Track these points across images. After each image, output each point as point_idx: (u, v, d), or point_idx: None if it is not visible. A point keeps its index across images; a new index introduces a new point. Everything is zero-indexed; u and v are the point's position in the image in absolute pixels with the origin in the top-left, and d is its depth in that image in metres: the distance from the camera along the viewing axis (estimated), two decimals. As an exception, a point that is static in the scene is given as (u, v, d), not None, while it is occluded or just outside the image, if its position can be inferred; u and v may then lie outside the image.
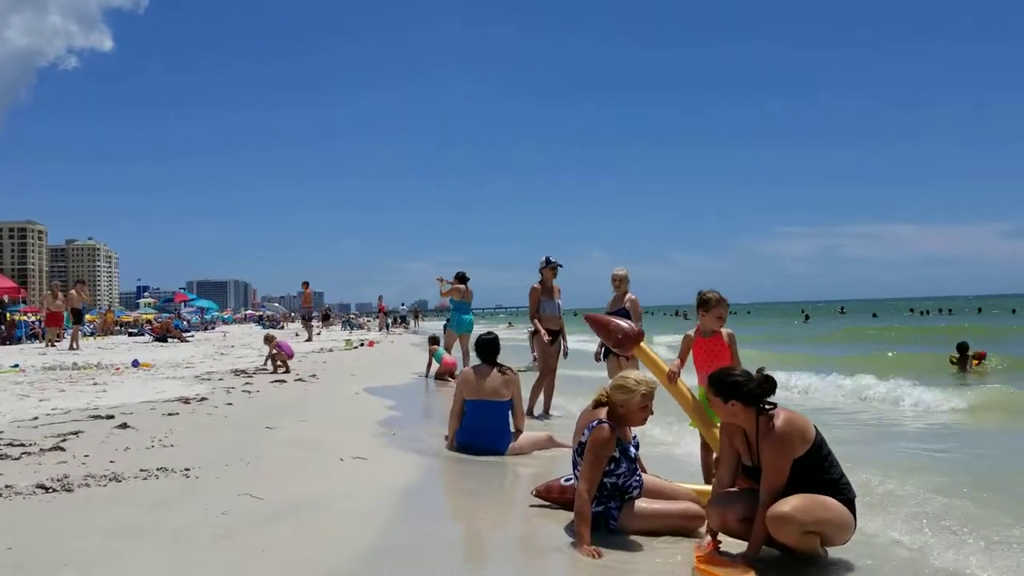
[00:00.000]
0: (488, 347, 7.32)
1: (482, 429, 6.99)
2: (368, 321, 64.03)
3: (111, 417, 7.87)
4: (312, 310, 31.93)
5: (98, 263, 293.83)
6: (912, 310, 67.46)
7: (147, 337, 33.39)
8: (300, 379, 12.45)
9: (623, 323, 5.86)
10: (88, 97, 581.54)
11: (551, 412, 9.48)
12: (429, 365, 14.50)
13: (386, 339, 32.99)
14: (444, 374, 14.19)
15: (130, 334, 38.03)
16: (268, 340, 14.32)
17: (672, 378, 5.33)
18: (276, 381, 11.89)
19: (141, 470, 5.43)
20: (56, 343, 25.95)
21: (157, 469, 5.47)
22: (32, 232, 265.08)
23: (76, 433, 6.85)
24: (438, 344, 14.68)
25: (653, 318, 65.40)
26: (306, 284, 29.25)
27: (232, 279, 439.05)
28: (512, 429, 7.14)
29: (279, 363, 13.83)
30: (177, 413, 8.31)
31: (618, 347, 5.94)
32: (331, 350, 22.65)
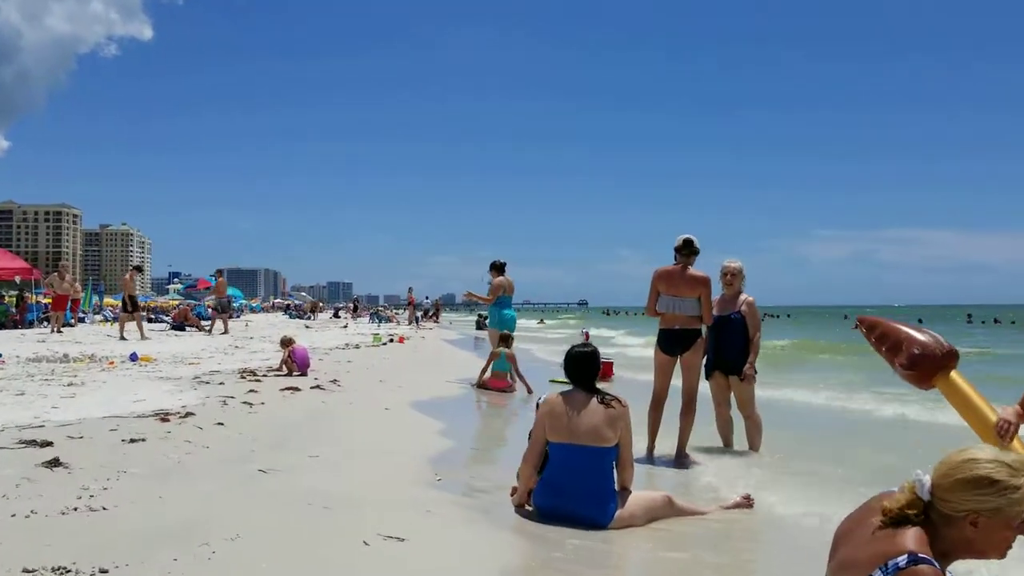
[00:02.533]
0: (584, 364, 5.00)
1: (575, 487, 4.68)
2: (397, 314, 62.07)
3: (47, 444, 5.61)
4: (229, 300, 29.96)
5: (131, 248, 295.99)
6: (970, 318, 63.61)
7: (164, 324, 31.51)
8: (318, 386, 10.18)
9: (922, 335, 3.63)
10: (127, 85, 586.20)
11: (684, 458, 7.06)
12: (484, 371, 12.08)
13: (416, 334, 30.80)
14: (489, 386, 11.85)
15: (149, 320, 36.28)
16: (285, 344, 12.08)
17: (1006, 433, 3.04)
18: (287, 388, 9.63)
19: (24, 571, 3.17)
20: (62, 329, 24.08)
21: (52, 571, 3.21)
22: (67, 216, 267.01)
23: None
24: (509, 345, 11.96)
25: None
26: (220, 272, 28.02)
27: (263, 268, 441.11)
28: (616, 487, 4.84)
29: (293, 369, 11.64)
30: (143, 439, 6.06)
31: (910, 369, 3.73)
32: (357, 346, 20.44)
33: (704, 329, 7.26)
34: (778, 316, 79.39)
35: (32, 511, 3.96)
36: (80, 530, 3.74)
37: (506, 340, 12.08)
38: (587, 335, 15.99)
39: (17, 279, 30.44)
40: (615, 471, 4.82)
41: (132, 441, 5.95)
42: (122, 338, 20.46)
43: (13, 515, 3.89)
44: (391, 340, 23.33)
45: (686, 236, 7.23)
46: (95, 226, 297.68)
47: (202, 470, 5.19)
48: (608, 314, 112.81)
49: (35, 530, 3.71)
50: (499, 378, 11.84)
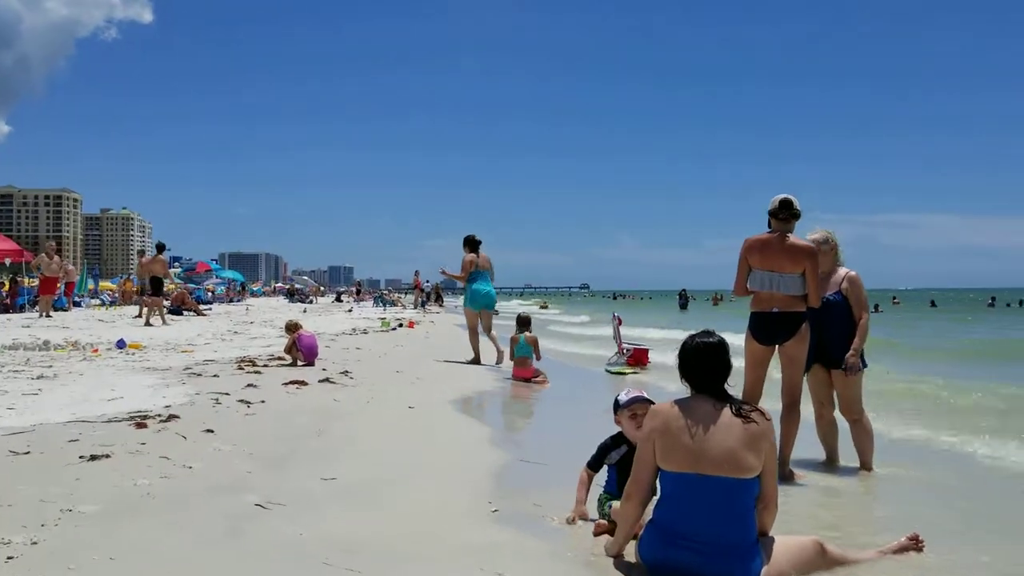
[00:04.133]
0: (710, 356, 3.58)
1: (703, 535, 3.29)
2: (401, 297, 60.65)
3: (-22, 464, 4.27)
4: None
5: (132, 232, 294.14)
6: (993, 301, 61.28)
7: (161, 309, 30.16)
8: (327, 379, 8.78)
9: None
10: (127, 69, 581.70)
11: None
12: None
13: (425, 318, 29.39)
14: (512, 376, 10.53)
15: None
16: (290, 329, 10.67)
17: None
18: (292, 383, 8.23)
19: None
20: (51, 313, 22.72)
21: None
22: (67, 200, 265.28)
23: None
24: (528, 328, 10.76)
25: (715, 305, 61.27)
26: (142, 253, 26.85)
27: (264, 252, 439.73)
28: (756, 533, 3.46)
29: (298, 359, 10.26)
30: (107, 454, 4.68)
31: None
32: (365, 331, 19.04)
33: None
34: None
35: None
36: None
37: (525, 324, 10.82)
38: (619, 320, 14.56)
39: (7, 261, 29.08)
40: (755, 511, 3.43)
41: (93, 458, 4.57)
42: (147, 324, 19.06)
43: None
44: (400, 325, 21.93)
45: (783, 196, 5.81)
46: (96, 210, 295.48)
47: (177, 504, 3.81)
48: (616, 298, 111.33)
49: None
50: (523, 366, 10.53)
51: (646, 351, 13.92)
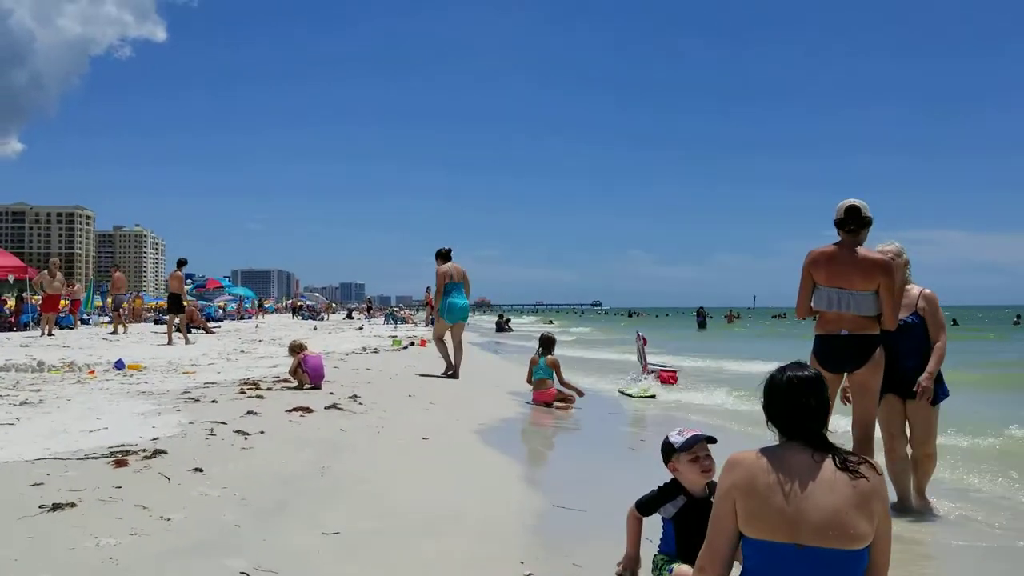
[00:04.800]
0: (806, 392, 2.83)
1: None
2: (412, 314, 59.97)
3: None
4: (125, 295, 28.13)
5: (144, 249, 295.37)
6: (1019, 319, 59.59)
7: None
8: (334, 404, 8.08)
9: None
10: (140, 87, 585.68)
11: None
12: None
13: (437, 336, 28.73)
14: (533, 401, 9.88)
15: (156, 322, 34.41)
16: (294, 350, 9.99)
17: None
18: (296, 410, 7.53)
19: None
20: (53, 332, 22.16)
21: None
22: (80, 217, 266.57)
23: None
24: (551, 350, 10.11)
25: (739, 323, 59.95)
26: (116, 267, 26.60)
27: (276, 269, 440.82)
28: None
29: (304, 381, 9.59)
30: (73, 503, 3.98)
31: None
32: (376, 350, 18.37)
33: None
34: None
35: None
36: None
37: (548, 345, 10.17)
38: (644, 340, 13.81)
39: (11, 278, 28.58)
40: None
41: (55, 508, 3.89)
42: (170, 343, 18.62)
43: None
44: (412, 343, 21.24)
45: (850, 202, 5.12)
46: (108, 227, 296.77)
47: (144, 573, 3.11)
48: (632, 315, 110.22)
49: None
50: (542, 388, 9.86)
51: (674, 373, 13.21)
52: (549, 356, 10.01)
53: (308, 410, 7.52)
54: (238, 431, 6.30)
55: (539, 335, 10.85)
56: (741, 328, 52.81)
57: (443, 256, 11.85)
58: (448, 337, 12.24)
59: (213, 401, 8.08)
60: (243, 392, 8.91)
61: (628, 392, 11.79)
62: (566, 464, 6.99)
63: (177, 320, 19.95)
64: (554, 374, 9.90)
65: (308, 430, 6.62)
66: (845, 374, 5.06)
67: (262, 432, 6.33)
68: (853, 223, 5.05)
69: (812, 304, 5.17)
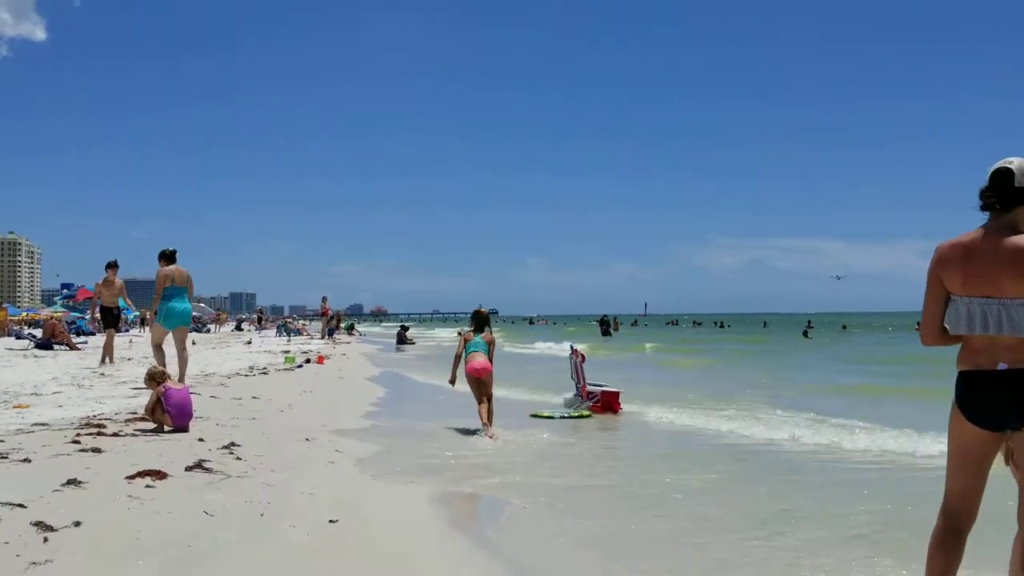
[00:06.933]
0: None
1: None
2: (306, 325, 56.78)
3: None
4: None
5: (19, 258, 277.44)
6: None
7: (27, 342, 26.12)
8: (199, 463, 5.78)
9: None
10: (18, 87, 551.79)
11: None
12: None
13: (335, 351, 26.22)
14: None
15: (17, 336, 30.68)
16: (152, 379, 7.62)
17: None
18: (142, 475, 5.23)
19: None
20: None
21: None
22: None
23: None
24: (485, 328, 9.38)
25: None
26: None
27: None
28: None
29: (165, 423, 7.26)
30: None
31: None
32: (264, 370, 15.90)
33: None
34: (766, 324, 75.33)
35: None
36: None
37: (483, 322, 9.53)
38: (582, 356, 11.92)
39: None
40: None
41: None
42: (103, 362, 15.97)
43: None
44: (308, 361, 18.83)
45: (1003, 164, 3.33)
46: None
47: None
48: (532, 322, 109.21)
49: None
50: (476, 361, 9.19)
51: (616, 394, 11.38)
52: (485, 334, 9.43)
53: (160, 475, 5.24)
54: (38, 524, 4.02)
55: (471, 312, 9.73)
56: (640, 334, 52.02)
57: (167, 257, 11.25)
58: (169, 344, 11.35)
59: (25, 460, 5.69)
60: (77, 440, 6.53)
61: (572, 414, 10.39)
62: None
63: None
64: (488, 350, 9.31)
65: (152, 518, 4.35)
66: (1009, 431, 3.24)
67: (77, 524, 4.07)
68: (1001, 196, 3.25)
69: (947, 324, 3.34)
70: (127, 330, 44.29)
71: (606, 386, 11.74)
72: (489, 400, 9.01)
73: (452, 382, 9.49)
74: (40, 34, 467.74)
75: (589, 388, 11.44)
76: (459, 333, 9.50)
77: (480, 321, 9.48)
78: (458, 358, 9.35)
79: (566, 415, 10.82)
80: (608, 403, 11.14)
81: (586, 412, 10.90)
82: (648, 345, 34.63)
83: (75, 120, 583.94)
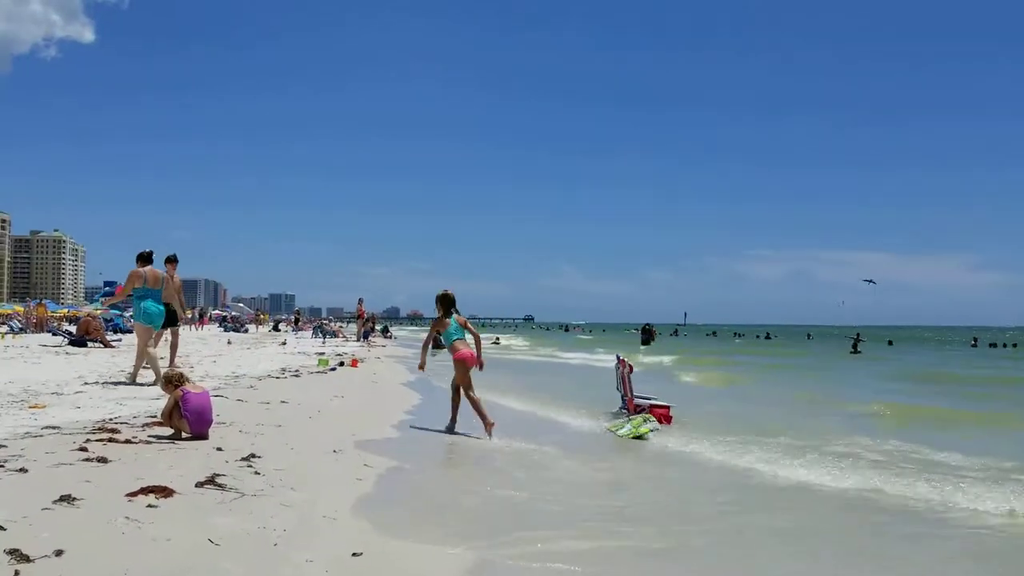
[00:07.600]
0: None
1: None
2: (342, 328, 56.58)
3: None
4: None
5: (64, 256, 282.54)
6: (976, 342, 58.28)
7: (61, 339, 25.98)
8: (212, 478, 5.18)
9: None
10: (65, 87, 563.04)
11: None
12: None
13: (370, 354, 25.72)
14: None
15: (53, 333, 30.65)
16: (170, 382, 7.03)
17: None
18: (145, 492, 4.65)
19: None
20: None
21: None
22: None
23: None
24: (451, 309, 9.18)
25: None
26: None
27: (203, 278, 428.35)
28: None
29: (182, 429, 6.69)
30: None
31: None
32: (297, 372, 15.39)
33: None
34: (810, 336, 73.16)
35: None
36: None
37: (448, 304, 9.17)
38: (630, 367, 11.22)
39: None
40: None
41: None
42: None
43: None
44: (341, 364, 18.32)
45: None
46: (25, 232, 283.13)
47: None
48: (568, 329, 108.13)
49: None
50: (461, 349, 9.01)
51: (667, 408, 10.64)
52: (458, 316, 9.19)
53: (166, 492, 4.64)
54: (13, 552, 3.44)
55: (436, 295, 9.25)
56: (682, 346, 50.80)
57: (143, 259, 11.46)
58: (154, 345, 11.68)
59: (22, 470, 5.14)
60: (84, 448, 5.98)
61: (623, 433, 9.34)
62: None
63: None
64: (474, 339, 9.12)
65: (147, 546, 3.75)
66: None
67: (59, 553, 3.48)
68: None
69: None
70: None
71: (655, 399, 10.99)
72: (471, 388, 8.91)
73: (422, 367, 9.43)
74: (88, 35, 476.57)
75: (637, 401, 10.73)
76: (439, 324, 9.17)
77: (447, 303, 9.13)
78: (426, 346, 9.49)
79: (642, 434, 9.31)
80: (659, 419, 10.39)
81: (653, 425, 9.53)
82: (707, 358, 32.70)
83: (119, 119, 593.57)
